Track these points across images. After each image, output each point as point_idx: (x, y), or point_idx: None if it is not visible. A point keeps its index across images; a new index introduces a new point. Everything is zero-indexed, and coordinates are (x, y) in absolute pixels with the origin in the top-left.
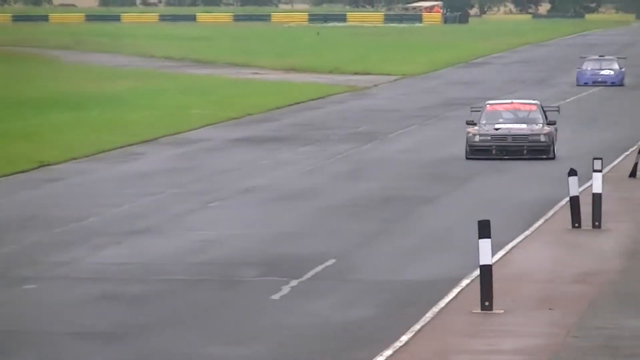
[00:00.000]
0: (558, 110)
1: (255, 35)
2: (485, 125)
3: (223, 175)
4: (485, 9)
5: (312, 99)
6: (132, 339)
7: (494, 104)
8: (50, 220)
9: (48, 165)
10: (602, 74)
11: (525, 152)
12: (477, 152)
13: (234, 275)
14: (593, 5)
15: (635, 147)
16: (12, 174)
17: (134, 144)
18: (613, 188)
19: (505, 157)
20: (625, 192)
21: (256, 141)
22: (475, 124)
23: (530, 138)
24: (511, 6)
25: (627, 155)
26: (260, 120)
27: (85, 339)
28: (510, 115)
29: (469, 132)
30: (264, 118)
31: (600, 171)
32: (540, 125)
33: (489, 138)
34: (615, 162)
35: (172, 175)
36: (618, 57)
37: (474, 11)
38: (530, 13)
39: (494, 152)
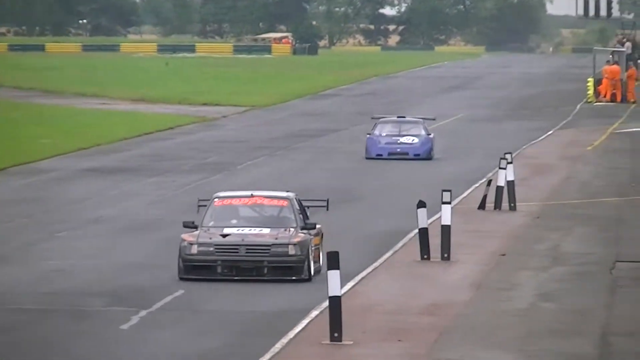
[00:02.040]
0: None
1: (105, 65)
2: (209, 230)
3: (72, 205)
4: (335, 41)
5: (161, 130)
6: None
7: (225, 198)
8: None
9: None
10: (401, 143)
11: (265, 270)
12: (195, 270)
13: (83, 305)
14: (442, 37)
15: (485, 179)
16: None
17: None
18: (462, 220)
19: (236, 277)
20: (475, 224)
21: (105, 171)
22: (195, 227)
23: (274, 250)
24: (360, 38)
25: (476, 187)
26: (109, 150)
27: None
28: (250, 213)
29: (183, 240)
30: (113, 148)
31: (449, 203)
32: (292, 230)
33: (211, 249)
34: (465, 194)
35: (21, 205)
36: (425, 118)
37: (323, 43)
38: (379, 45)
39: (219, 269)
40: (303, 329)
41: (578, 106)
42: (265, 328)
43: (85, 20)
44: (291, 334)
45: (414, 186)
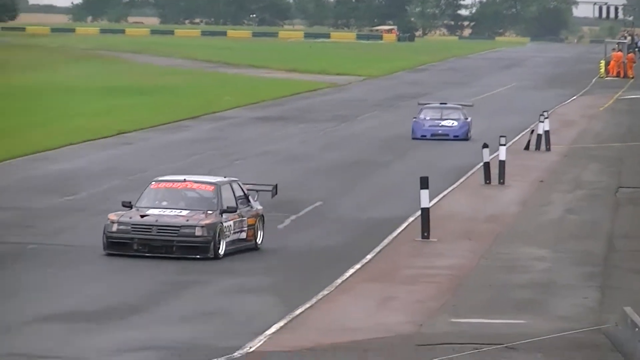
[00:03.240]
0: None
1: (267, 46)
2: (139, 210)
3: (246, 142)
4: (426, 32)
5: (307, 91)
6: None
7: (160, 181)
8: (121, 171)
9: (125, 133)
10: (442, 126)
11: (174, 249)
12: (115, 246)
13: None
14: (501, 31)
15: (528, 129)
16: (93, 139)
17: (184, 120)
18: (513, 157)
19: (148, 254)
20: (521, 160)
21: (269, 119)
22: (130, 207)
23: (182, 231)
24: (444, 30)
25: (522, 134)
26: (272, 104)
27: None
28: (178, 196)
29: (108, 219)
30: (274, 103)
31: (504, 145)
32: (209, 213)
33: (129, 228)
34: (515, 139)
35: (210, 142)
36: (463, 105)
37: (418, 33)
38: (456, 35)
39: (135, 247)
40: (403, 230)
41: (593, 80)
42: (377, 229)
43: (254, 15)
44: (394, 234)
45: (479, 134)
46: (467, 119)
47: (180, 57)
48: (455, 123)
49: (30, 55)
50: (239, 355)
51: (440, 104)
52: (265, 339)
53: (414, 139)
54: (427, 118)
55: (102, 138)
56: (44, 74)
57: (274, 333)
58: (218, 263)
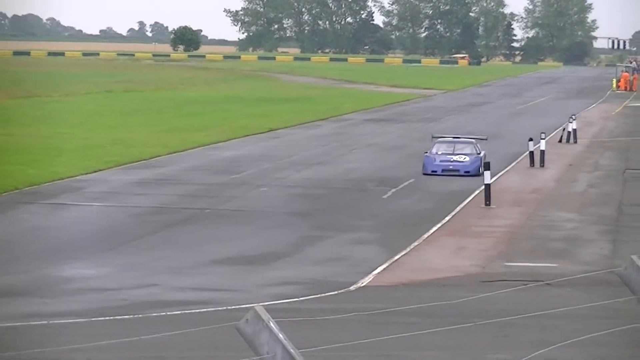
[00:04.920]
0: (486, 139)
1: (376, 69)
2: None
3: (359, 137)
4: (489, 58)
5: (403, 101)
6: (315, 216)
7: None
8: (272, 157)
9: (274, 130)
10: (454, 161)
11: None
12: None
13: (364, 186)
14: (542, 57)
15: (561, 127)
16: (251, 134)
17: (315, 120)
18: (550, 147)
19: None
20: (556, 149)
21: (375, 120)
22: None
23: None
24: (501, 57)
25: (557, 131)
26: (378, 110)
27: (292, 216)
28: None
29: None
30: (380, 109)
31: (544, 139)
32: None
33: None
34: (552, 134)
35: (332, 136)
36: (478, 139)
37: (483, 59)
38: (511, 61)
39: None
40: (471, 199)
41: (608, 93)
42: (453, 199)
43: (367, 47)
44: (465, 202)
45: (524, 131)
46: (479, 153)
47: (314, 77)
48: (467, 158)
49: (209, 75)
50: (354, 288)
51: (454, 137)
52: (372, 277)
53: (424, 174)
54: (439, 152)
55: (258, 133)
56: (217, 88)
57: (378, 273)
58: (340, 222)
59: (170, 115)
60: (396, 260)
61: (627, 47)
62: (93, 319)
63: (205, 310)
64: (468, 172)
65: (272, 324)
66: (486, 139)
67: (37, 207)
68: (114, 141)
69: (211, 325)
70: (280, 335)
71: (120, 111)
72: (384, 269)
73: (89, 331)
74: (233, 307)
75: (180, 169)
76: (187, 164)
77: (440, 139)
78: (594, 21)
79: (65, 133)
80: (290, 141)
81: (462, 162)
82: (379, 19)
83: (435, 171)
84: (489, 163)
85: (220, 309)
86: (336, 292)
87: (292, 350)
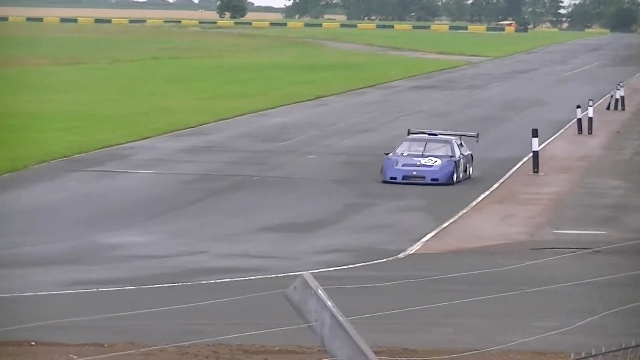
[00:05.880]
0: (476, 137)
1: (422, 36)
2: None
3: (407, 104)
4: (536, 25)
5: (450, 68)
6: (362, 184)
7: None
8: (319, 124)
9: (321, 97)
10: (421, 165)
11: None
12: None
13: None
14: (589, 24)
15: (609, 93)
16: (298, 102)
17: (361, 88)
18: (598, 115)
19: None
20: (604, 116)
21: (422, 87)
22: None
23: None
24: (548, 24)
25: (605, 98)
26: (424, 77)
27: (338, 183)
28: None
29: None
30: (425, 76)
31: (591, 106)
32: None
33: None
34: (599, 102)
35: (380, 104)
36: (463, 135)
37: (530, 26)
38: (557, 28)
39: None
40: (519, 166)
41: None
42: (501, 166)
43: (413, 13)
44: (513, 169)
45: (571, 98)
46: (452, 156)
47: (360, 44)
48: (438, 162)
49: (255, 42)
50: (402, 256)
51: (429, 134)
52: (420, 245)
53: (383, 181)
54: (405, 154)
55: (304, 101)
56: (263, 55)
57: (427, 240)
58: (387, 190)
59: (216, 82)
60: (444, 227)
61: None
62: (142, 286)
63: (253, 277)
64: (436, 179)
65: (320, 292)
66: (476, 136)
67: (84, 174)
68: (159, 108)
69: (259, 293)
70: (329, 303)
71: (166, 78)
72: (432, 236)
73: (137, 298)
74: (281, 274)
75: (227, 136)
76: (234, 131)
77: (411, 137)
78: None
79: (110, 100)
80: (337, 108)
81: (430, 167)
82: None
83: (395, 178)
84: (536, 130)
85: (268, 276)
86: (384, 260)
87: (340, 317)
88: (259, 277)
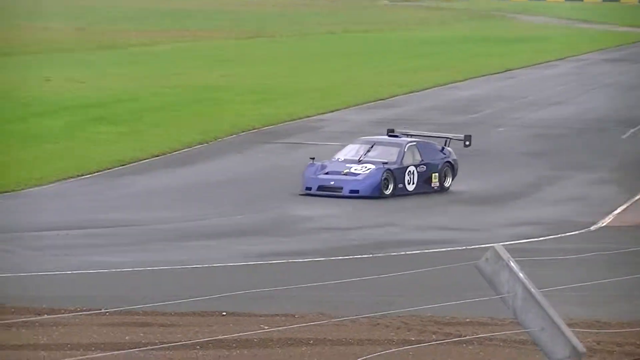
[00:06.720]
0: (466, 141)
1: (611, 7)
2: None
3: (596, 76)
4: None
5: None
6: (553, 156)
7: None
8: (508, 97)
9: (510, 69)
10: (347, 174)
11: None
12: None
13: (602, 126)
14: None
15: None
16: (487, 74)
17: (551, 60)
18: None
19: None
20: None
21: (613, 60)
22: None
23: None
24: None
25: None
26: (614, 50)
27: (529, 156)
28: None
29: None
30: (616, 49)
31: None
32: None
33: None
34: None
35: (571, 76)
36: (452, 138)
37: None
38: None
39: None
40: None
41: None
42: None
43: None
44: None
45: None
46: (386, 163)
47: (550, 16)
48: (367, 171)
49: (443, 15)
50: (594, 228)
51: (389, 134)
52: (612, 217)
53: (300, 194)
54: (340, 159)
55: (494, 73)
56: (451, 28)
57: (619, 213)
58: (579, 162)
59: (404, 55)
60: (637, 200)
61: None
62: (332, 257)
63: (444, 249)
64: (356, 191)
65: (512, 263)
66: (465, 140)
67: (274, 146)
68: (347, 81)
69: (451, 264)
70: (521, 275)
71: (354, 52)
72: (624, 209)
73: (327, 270)
74: (472, 246)
75: (416, 108)
76: (423, 104)
77: (359, 139)
78: None
79: (298, 72)
80: (526, 81)
81: (354, 176)
82: None
83: (310, 188)
84: None
85: (459, 248)
86: (576, 232)
87: (532, 289)
88: (449, 249)
